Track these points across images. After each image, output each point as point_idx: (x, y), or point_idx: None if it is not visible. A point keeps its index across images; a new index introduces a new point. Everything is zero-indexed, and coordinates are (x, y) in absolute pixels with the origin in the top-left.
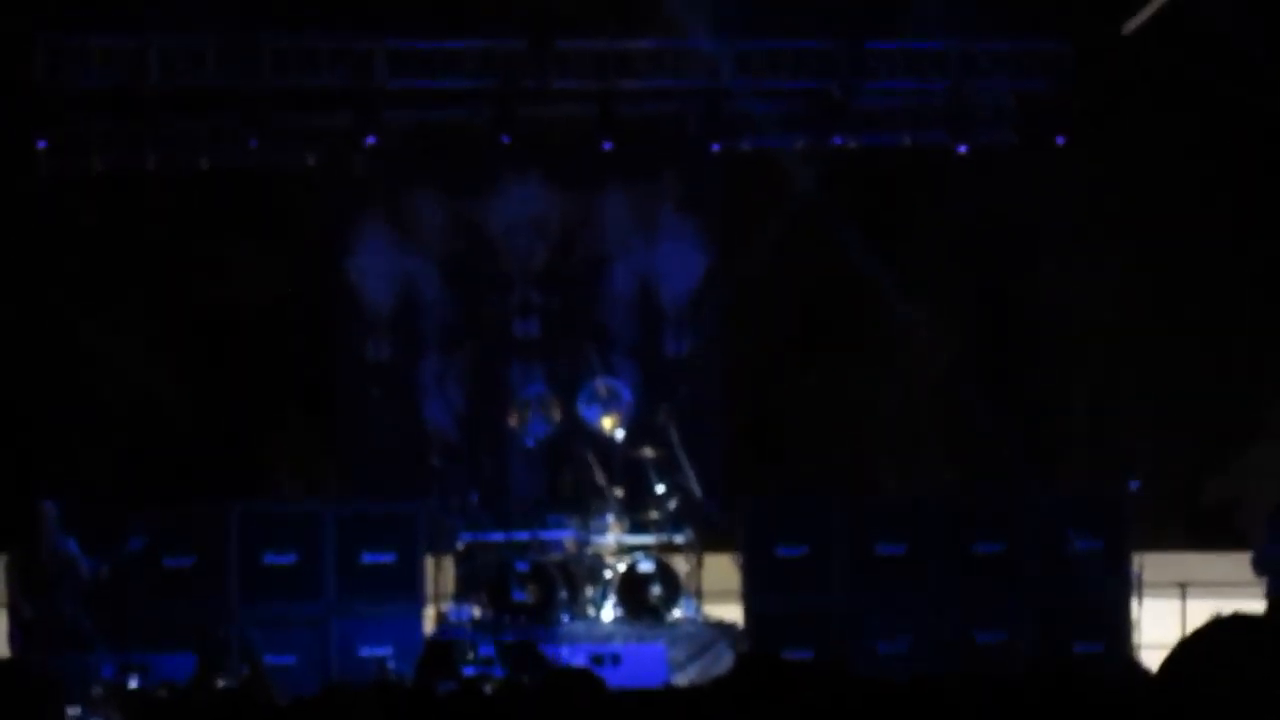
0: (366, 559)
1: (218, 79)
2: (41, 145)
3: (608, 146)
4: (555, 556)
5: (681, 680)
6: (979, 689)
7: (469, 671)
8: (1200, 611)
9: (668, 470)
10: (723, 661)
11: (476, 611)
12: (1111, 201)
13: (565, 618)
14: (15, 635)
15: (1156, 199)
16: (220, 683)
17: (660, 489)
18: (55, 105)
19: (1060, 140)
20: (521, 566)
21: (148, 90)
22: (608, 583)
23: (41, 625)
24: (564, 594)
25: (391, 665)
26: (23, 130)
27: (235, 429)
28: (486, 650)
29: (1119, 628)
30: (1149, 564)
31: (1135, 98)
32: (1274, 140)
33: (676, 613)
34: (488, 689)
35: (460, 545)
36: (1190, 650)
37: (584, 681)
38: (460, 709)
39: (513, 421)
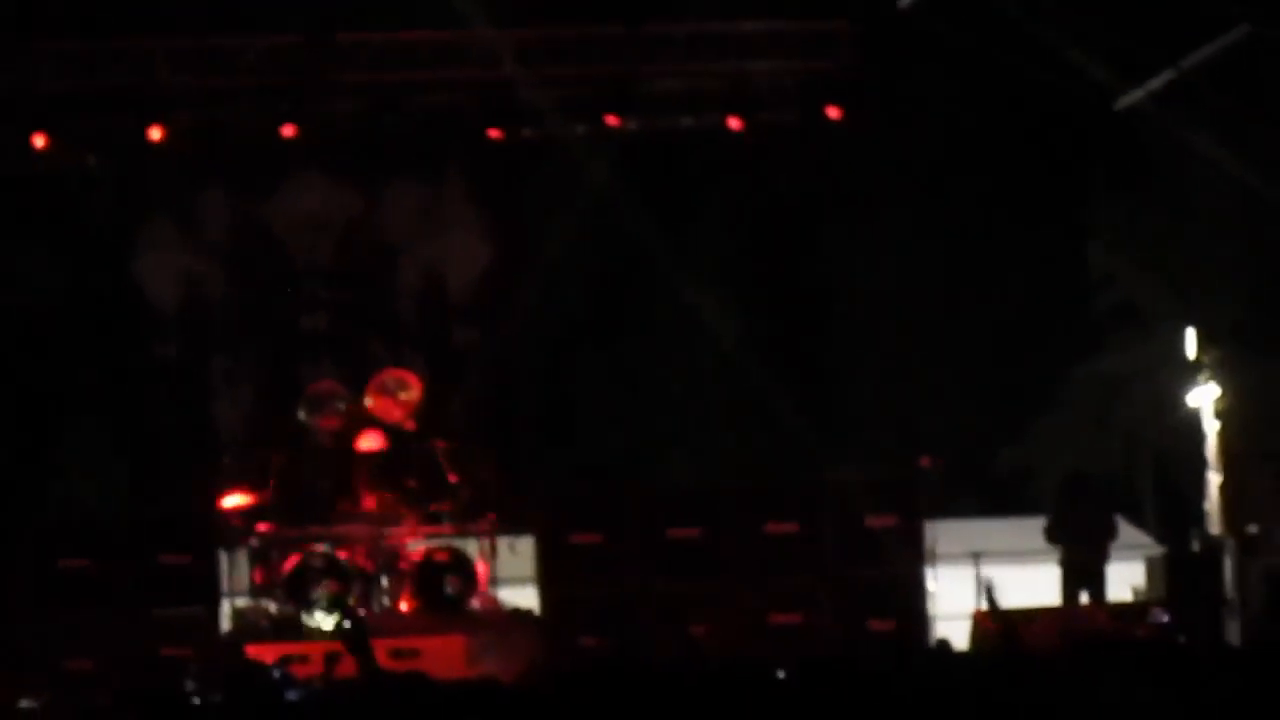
0: (162, 561)
1: None
2: None
3: (392, 137)
4: (350, 550)
5: (480, 670)
6: (777, 672)
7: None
8: (994, 579)
9: (460, 460)
10: (521, 650)
11: (273, 608)
12: (893, 176)
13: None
14: None
15: (938, 171)
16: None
17: (453, 479)
18: None
19: (839, 116)
20: (317, 561)
21: None
22: (403, 575)
23: None
24: (359, 587)
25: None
26: None
27: (22, 432)
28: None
29: (914, 602)
30: (942, 533)
31: (913, 72)
32: (1050, 109)
33: (473, 603)
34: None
35: (255, 542)
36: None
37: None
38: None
39: (302, 416)
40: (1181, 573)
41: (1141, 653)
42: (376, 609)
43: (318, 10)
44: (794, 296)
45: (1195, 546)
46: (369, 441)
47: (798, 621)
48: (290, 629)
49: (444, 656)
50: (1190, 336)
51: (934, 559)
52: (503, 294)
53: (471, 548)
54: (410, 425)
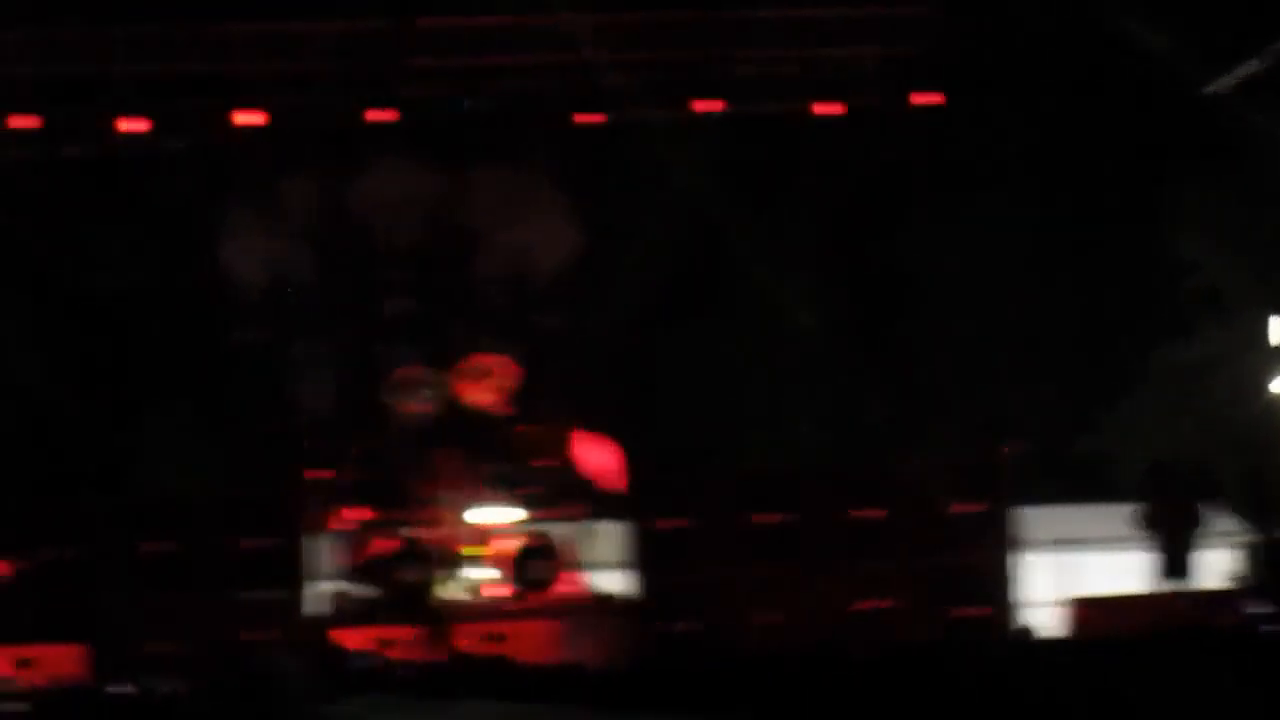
0: (246, 545)
1: (86, 67)
2: None
3: (477, 122)
4: (438, 535)
5: (569, 655)
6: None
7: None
8: (1079, 566)
9: (548, 444)
10: (608, 635)
11: (358, 591)
12: (978, 161)
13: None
14: None
15: (1023, 157)
16: None
17: (541, 464)
18: None
19: (925, 102)
20: (404, 546)
21: (13, 81)
22: (492, 559)
23: None
24: (446, 572)
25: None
26: None
27: (110, 414)
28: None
29: (1000, 589)
30: (1028, 519)
31: (1001, 59)
32: (1138, 95)
33: (561, 587)
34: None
35: (341, 526)
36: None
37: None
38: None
39: (389, 400)
40: (1272, 560)
41: (1225, 641)
42: (465, 593)
43: None
44: (879, 282)
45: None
46: (456, 425)
47: (883, 607)
48: (374, 613)
49: (531, 641)
50: (1274, 323)
51: (1018, 545)
52: (587, 278)
53: (560, 532)
54: (497, 410)
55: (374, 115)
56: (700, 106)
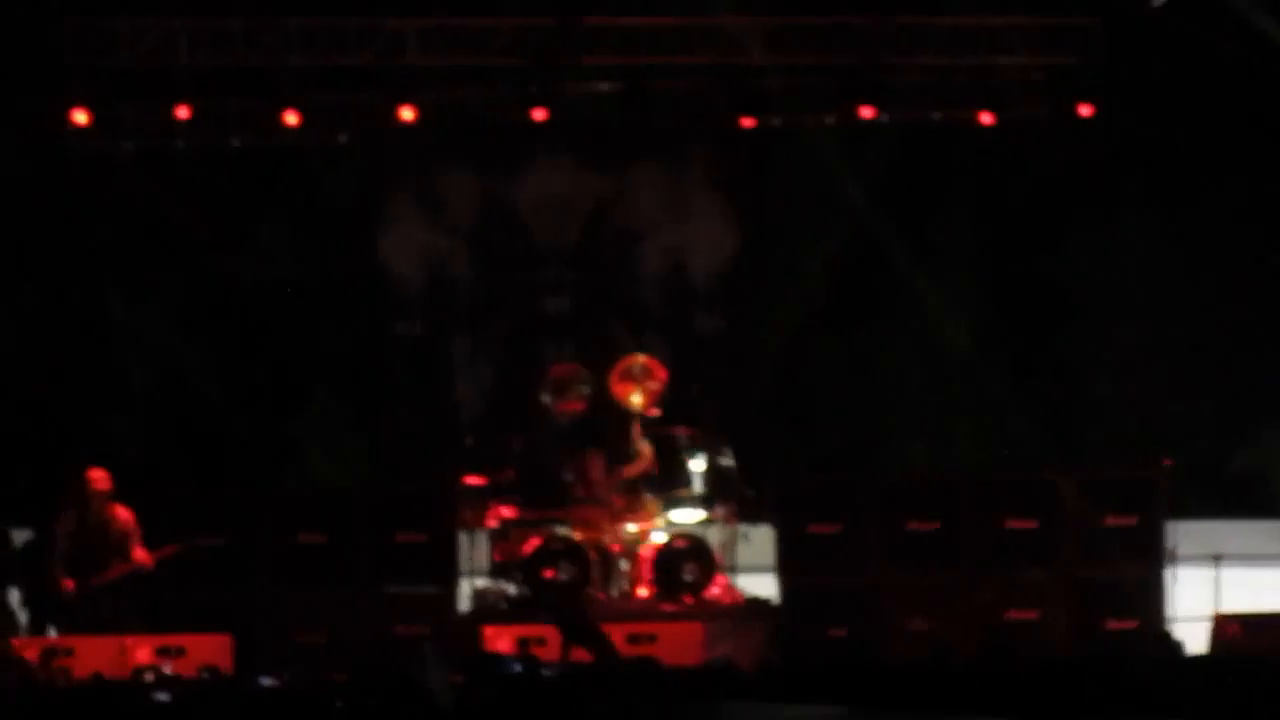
0: (400, 539)
1: (246, 58)
2: (72, 124)
3: (640, 122)
4: (590, 534)
5: (716, 657)
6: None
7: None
8: (1234, 582)
9: (701, 447)
10: (757, 639)
11: (511, 589)
12: (1138, 173)
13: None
14: (48, 612)
15: (1184, 170)
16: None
17: (694, 466)
18: (85, 84)
19: (1089, 113)
20: (556, 545)
21: (177, 70)
22: (642, 560)
23: (83, 604)
24: (598, 572)
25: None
26: (54, 109)
27: (265, 407)
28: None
29: (1153, 603)
30: (1182, 533)
31: (1162, 71)
32: None
33: (711, 590)
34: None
35: (495, 523)
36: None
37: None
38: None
39: (545, 399)
40: None
41: None
42: (614, 593)
43: None
44: (1035, 291)
45: None
46: (610, 426)
47: (1034, 618)
48: (525, 611)
49: (680, 642)
50: None
51: (1174, 560)
52: (745, 281)
53: (711, 535)
54: (652, 411)
55: (536, 113)
56: (863, 112)
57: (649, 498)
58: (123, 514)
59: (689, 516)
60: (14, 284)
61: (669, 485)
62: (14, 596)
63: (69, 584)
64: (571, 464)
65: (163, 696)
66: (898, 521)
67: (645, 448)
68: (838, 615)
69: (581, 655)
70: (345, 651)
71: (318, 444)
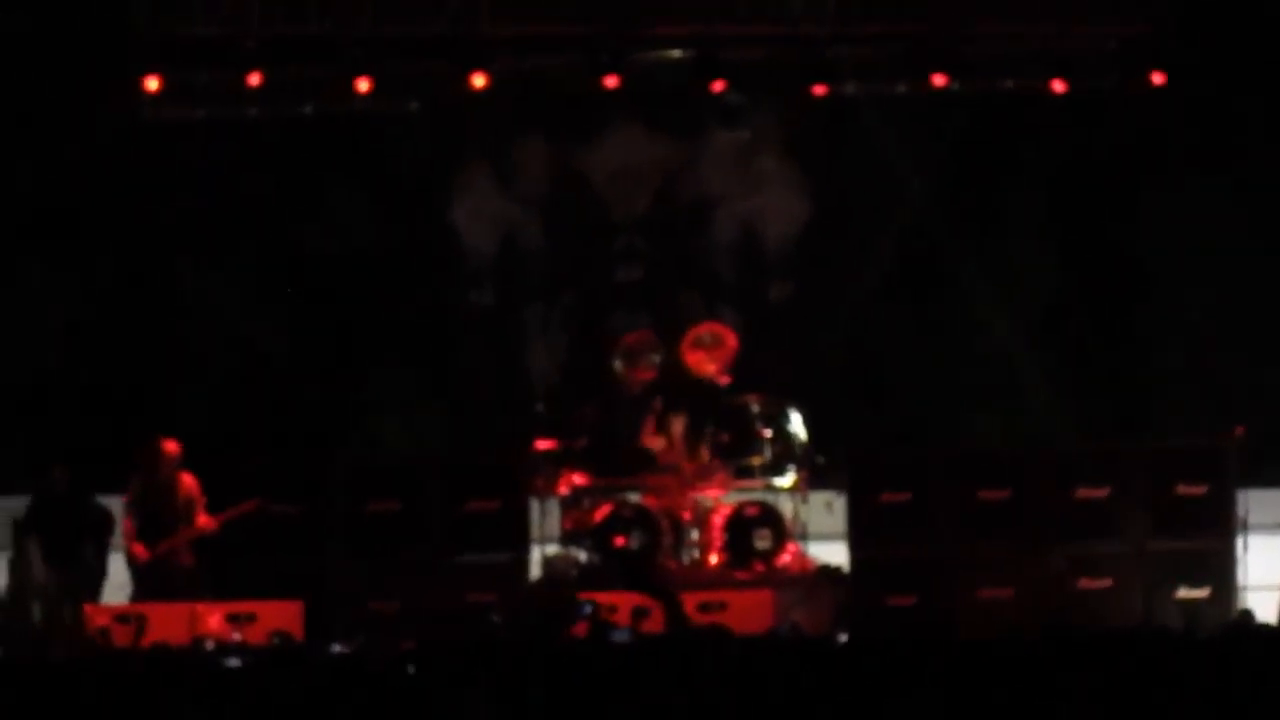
0: (471, 507)
1: (318, 26)
2: (145, 91)
3: (713, 90)
4: (661, 502)
5: (788, 625)
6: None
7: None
8: None
9: (772, 415)
10: (828, 607)
11: (583, 556)
12: (1210, 142)
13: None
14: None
15: (1256, 139)
16: None
17: (765, 434)
18: (158, 52)
19: (1161, 82)
20: (627, 512)
21: (249, 37)
22: (713, 528)
23: (155, 571)
24: (669, 539)
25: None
26: (126, 76)
27: (337, 375)
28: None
29: (1223, 572)
30: (1254, 502)
31: (1234, 38)
32: None
33: (783, 558)
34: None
35: (566, 490)
36: None
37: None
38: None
39: (617, 366)
40: None
41: None
42: (686, 561)
43: None
44: (1108, 261)
45: None
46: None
47: (1106, 587)
48: (596, 579)
49: (751, 611)
50: None
51: (1245, 529)
52: (817, 250)
53: (783, 503)
54: (724, 379)
55: (609, 80)
56: (935, 81)
57: (720, 465)
58: (188, 480)
59: (784, 481)
60: (87, 252)
61: (740, 453)
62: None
63: (141, 550)
64: (645, 432)
65: (233, 662)
66: (968, 491)
67: (676, 426)
68: (908, 584)
69: (654, 624)
70: (417, 619)
71: (390, 412)
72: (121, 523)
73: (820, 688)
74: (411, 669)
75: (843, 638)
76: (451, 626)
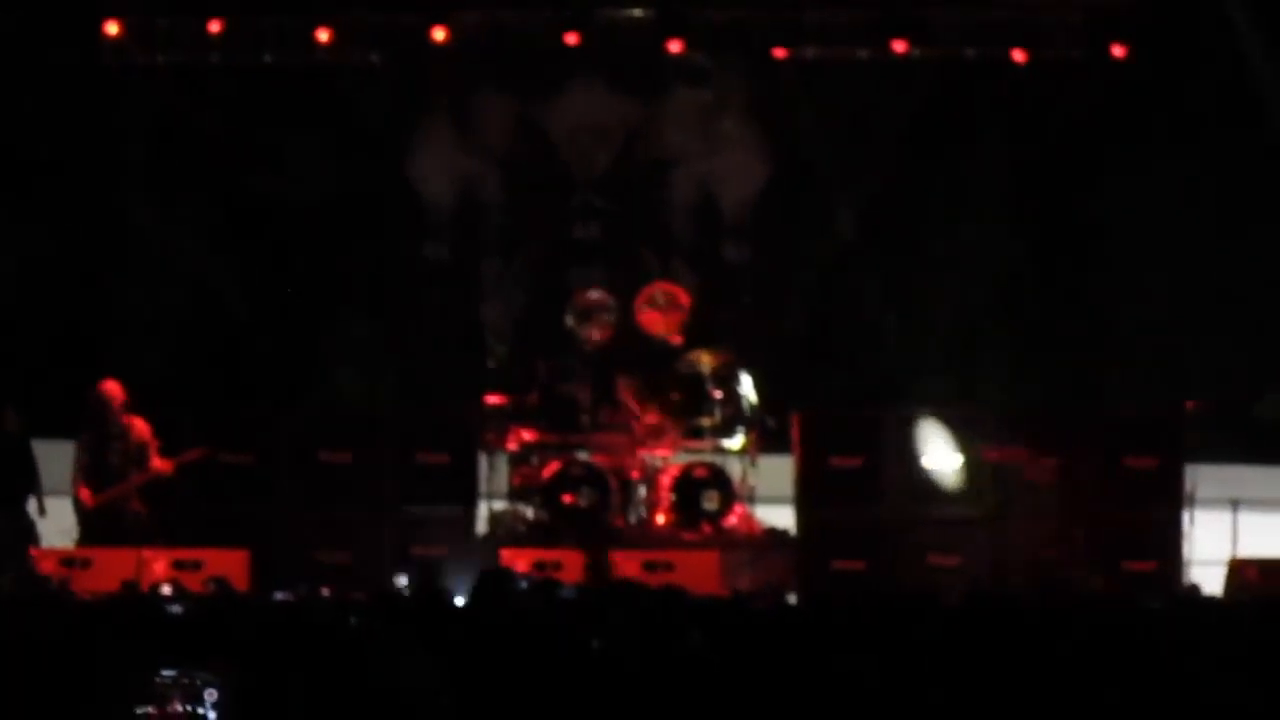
0: (421, 459)
1: None
2: (105, 36)
3: (674, 49)
4: (611, 460)
5: (733, 586)
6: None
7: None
8: (1252, 527)
9: (723, 377)
10: (775, 570)
11: (530, 513)
12: (1172, 115)
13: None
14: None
15: (1220, 113)
16: None
17: (716, 395)
18: None
19: (1120, 54)
20: (576, 469)
21: None
22: (662, 488)
23: (102, 517)
24: (617, 498)
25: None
26: (87, 20)
27: (292, 325)
28: None
29: (1170, 545)
30: (1202, 476)
31: (1197, 11)
32: None
33: (730, 519)
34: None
35: (516, 446)
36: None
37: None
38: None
39: (570, 324)
40: None
41: None
42: (634, 520)
43: None
44: (1067, 232)
45: None
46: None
47: (1052, 557)
48: (544, 535)
49: (698, 571)
50: None
51: (1192, 503)
52: (775, 213)
53: (732, 465)
54: (677, 339)
55: (570, 37)
56: (896, 47)
57: (671, 425)
58: (139, 425)
59: (734, 443)
60: (44, 196)
61: (691, 413)
62: (32, 507)
63: (87, 495)
64: (597, 390)
65: (175, 609)
66: (916, 456)
67: (628, 385)
68: (856, 549)
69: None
70: (365, 570)
71: (344, 363)
72: (71, 466)
73: (770, 649)
74: (354, 620)
75: (791, 600)
76: (397, 578)
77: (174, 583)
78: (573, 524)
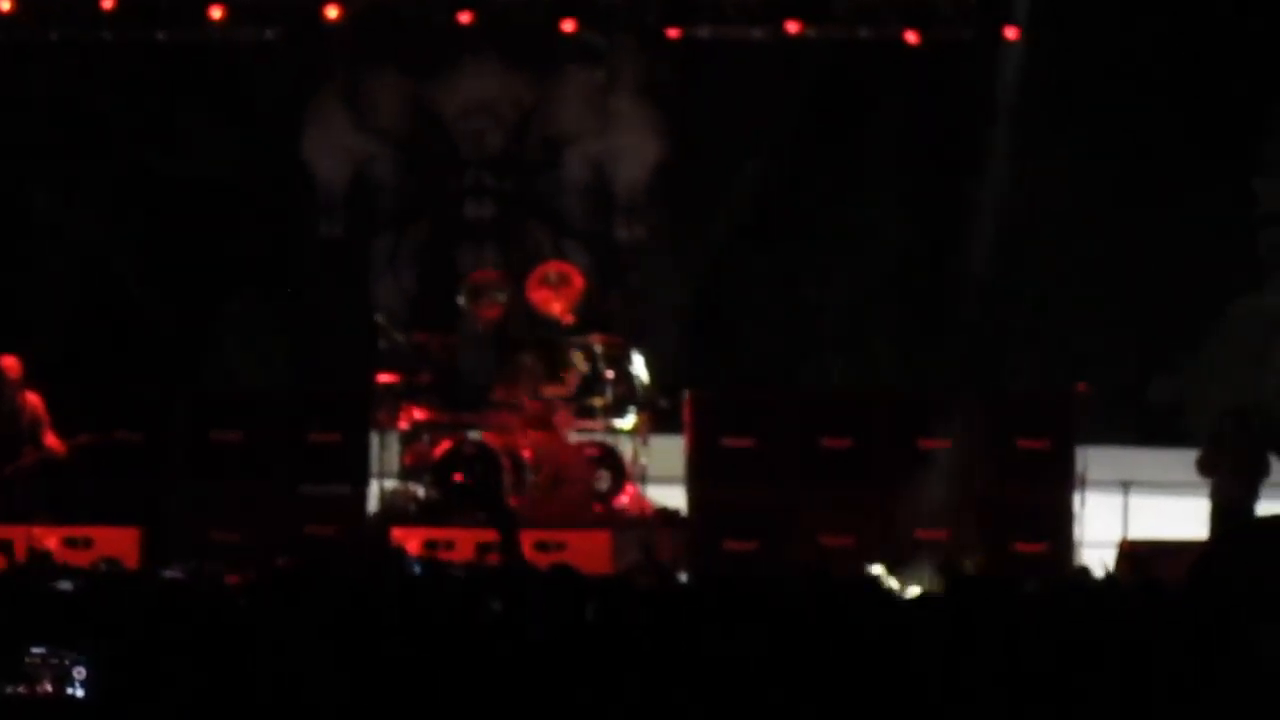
0: (313, 438)
1: None
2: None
3: (567, 29)
4: (503, 440)
5: (623, 566)
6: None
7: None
8: (1142, 509)
9: (616, 356)
10: (666, 550)
11: (421, 492)
12: (1064, 94)
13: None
14: None
15: (1111, 95)
16: None
17: (608, 375)
18: None
19: (1012, 36)
20: (469, 449)
21: None
22: (555, 467)
23: None
24: (510, 478)
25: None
26: None
27: (184, 302)
28: None
29: (1061, 527)
30: (1093, 459)
31: None
32: (1230, 41)
33: (621, 499)
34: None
35: (408, 425)
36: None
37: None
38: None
39: (462, 303)
40: None
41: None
42: (525, 499)
43: None
44: (958, 212)
45: None
46: (526, 332)
47: (943, 539)
48: (435, 514)
49: (589, 551)
50: None
51: (1083, 485)
52: (668, 193)
53: (623, 445)
54: (569, 319)
55: (463, 16)
56: (790, 27)
57: (562, 405)
58: (33, 400)
59: (626, 423)
60: None
61: (584, 393)
62: None
63: None
64: (488, 369)
65: (64, 585)
66: (811, 438)
67: (573, 371)
68: (748, 530)
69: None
70: (256, 550)
71: (236, 342)
72: None
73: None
74: (242, 600)
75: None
76: (288, 558)
77: (56, 557)
78: (481, 504)
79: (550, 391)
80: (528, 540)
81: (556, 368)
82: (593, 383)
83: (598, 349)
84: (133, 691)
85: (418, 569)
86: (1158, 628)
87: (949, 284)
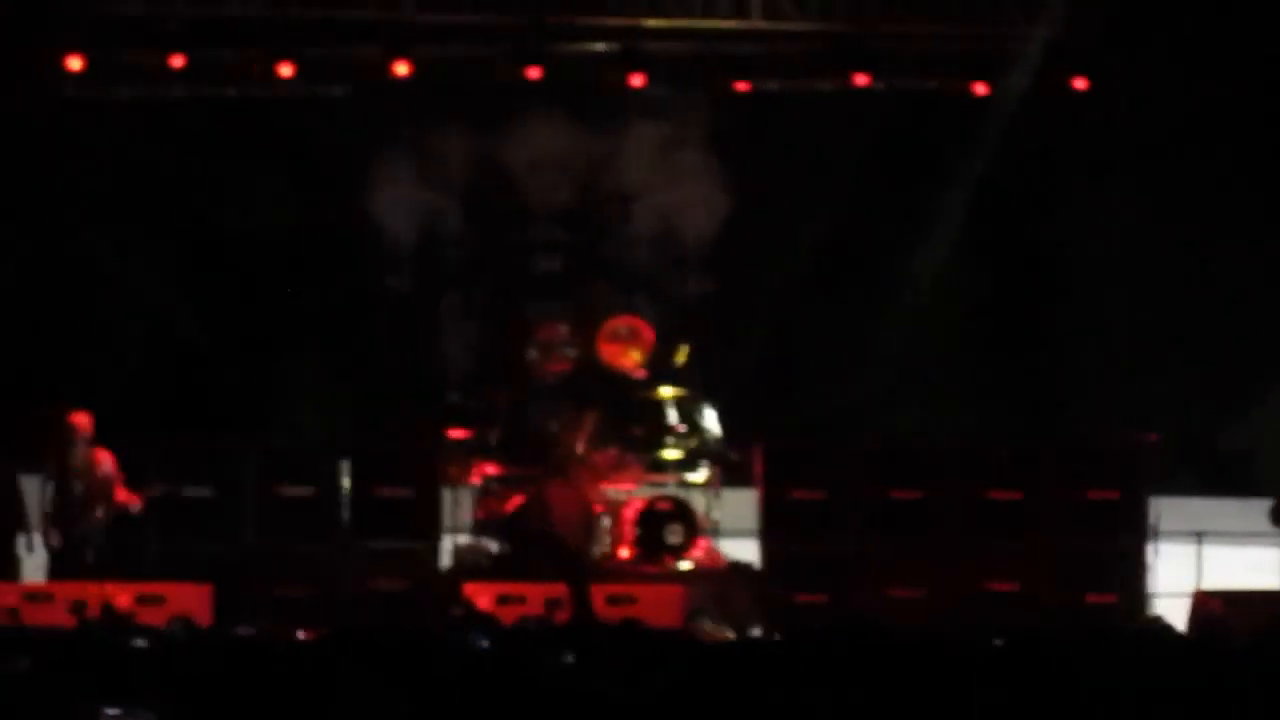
0: (383, 493)
1: (242, 9)
2: (67, 70)
3: (636, 83)
4: (573, 494)
5: (697, 621)
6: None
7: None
8: (1216, 559)
9: (686, 409)
10: (738, 603)
11: (494, 546)
12: (1133, 145)
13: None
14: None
15: (1179, 144)
16: None
17: (679, 428)
18: (82, 30)
19: (1081, 86)
20: (539, 504)
21: (173, 19)
22: (625, 522)
23: (67, 549)
24: (580, 532)
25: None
26: (49, 53)
27: (252, 358)
28: None
29: (1132, 577)
30: (1164, 509)
31: (1156, 42)
32: None
33: (694, 553)
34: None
35: (479, 480)
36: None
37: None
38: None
39: (532, 357)
40: None
41: None
42: (597, 554)
43: None
44: (1025, 263)
45: None
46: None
47: (1014, 590)
48: (506, 569)
49: (661, 605)
50: None
51: (1156, 535)
52: (736, 245)
53: (695, 498)
54: (639, 373)
55: (531, 71)
56: (858, 79)
57: (633, 459)
58: (105, 458)
59: (698, 477)
60: (5, 230)
61: (653, 447)
62: (21, 543)
63: (52, 530)
64: (558, 424)
65: (140, 642)
66: (880, 490)
67: (589, 419)
68: (819, 582)
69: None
70: (326, 605)
71: (305, 397)
72: (40, 501)
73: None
74: (316, 655)
75: (755, 633)
76: (360, 613)
77: (130, 616)
78: (554, 559)
79: (616, 440)
80: (599, 594)
81: (624, 421)
82: (663, 436)
83: (669, 402)
84: None
85: (485, 644)
86: (1230, 679)
87: (1018, 333)
